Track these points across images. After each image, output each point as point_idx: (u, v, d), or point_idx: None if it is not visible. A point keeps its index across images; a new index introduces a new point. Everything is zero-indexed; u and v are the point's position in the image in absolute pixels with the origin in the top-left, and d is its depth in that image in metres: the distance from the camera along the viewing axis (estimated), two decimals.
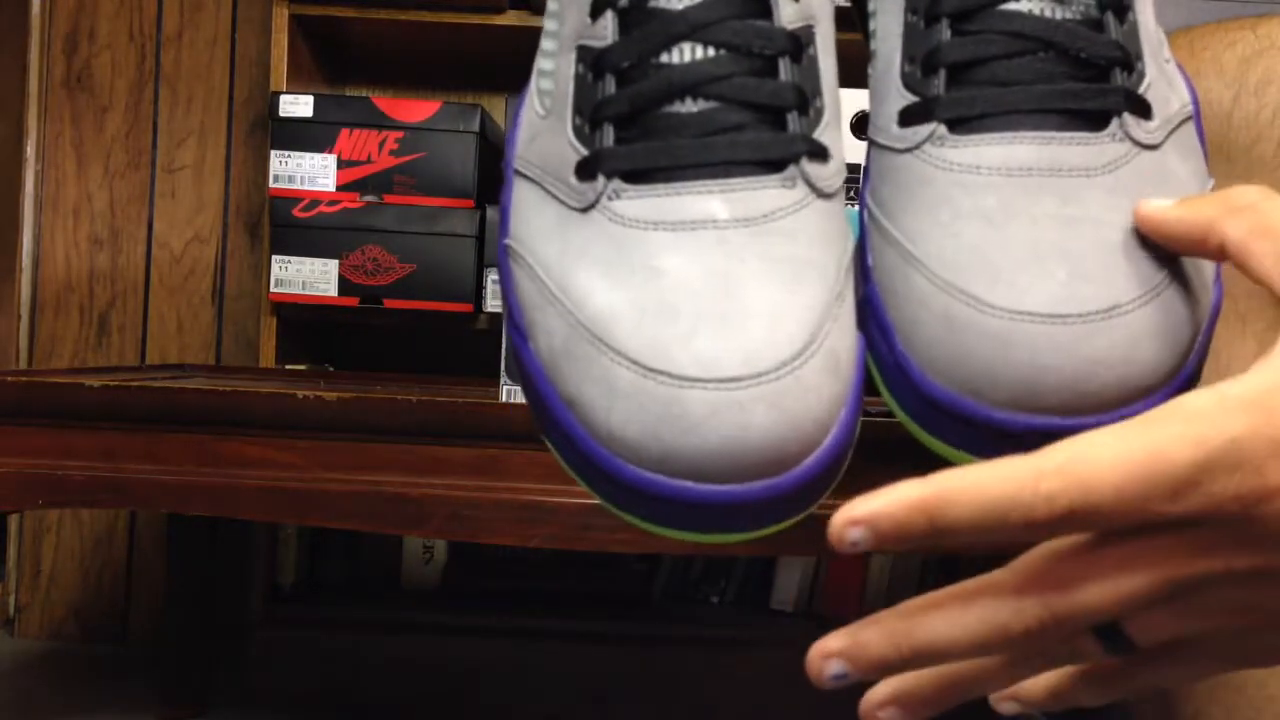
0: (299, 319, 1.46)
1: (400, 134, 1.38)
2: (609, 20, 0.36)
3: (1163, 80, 0.38)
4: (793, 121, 0.36)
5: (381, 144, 1.38)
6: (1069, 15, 0.36)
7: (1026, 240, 0.34)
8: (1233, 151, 0.57)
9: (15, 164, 1.66)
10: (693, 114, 0.35)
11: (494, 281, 1.37)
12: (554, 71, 0.38)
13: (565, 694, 1.40)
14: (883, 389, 0.37)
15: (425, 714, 1.39)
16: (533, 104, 0.40)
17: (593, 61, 0.37)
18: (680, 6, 0.35)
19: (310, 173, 1.38)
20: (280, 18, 1.44)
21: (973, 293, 0.33)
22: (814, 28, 0.37)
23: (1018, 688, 0.39)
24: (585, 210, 0.36)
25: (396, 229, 1.37)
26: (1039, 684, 0.38)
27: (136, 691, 1.43)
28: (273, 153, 1.38)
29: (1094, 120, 0.36)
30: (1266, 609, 0.32)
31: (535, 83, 0.40)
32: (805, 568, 1.48)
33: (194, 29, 1.67)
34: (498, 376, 1.06)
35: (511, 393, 1.03)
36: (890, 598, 1.47)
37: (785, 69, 0.36)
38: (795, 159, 0.36)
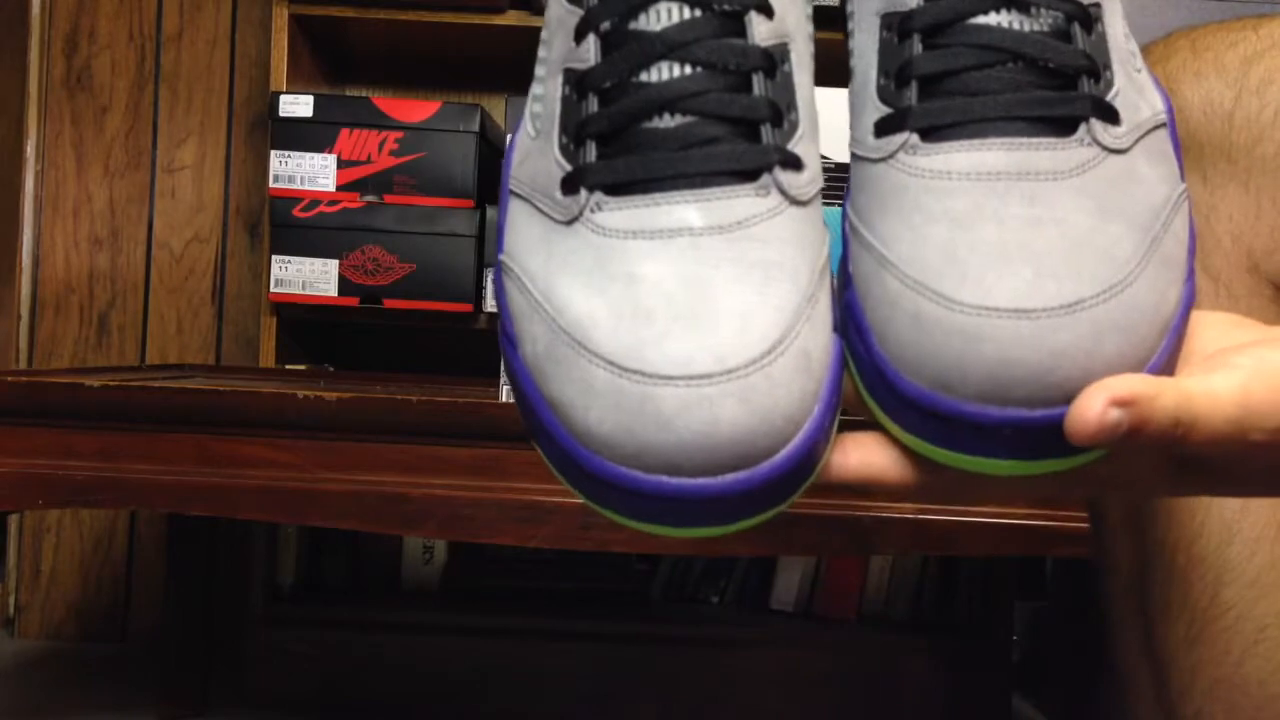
0: (299, 319, 1.46)
1: (400, 134, 1.38)
2: (591, 43, 0.38)
3: (1132, 89, 0.39)
4: (766, 133, 0.37)
5: (381, 144, 1.38)
6: (1037, 27, 0.37)
7: (993, 240, 0.35)
8: (1234, 152, 0.58)
9: (15, 164, 1.66)
10: (670, 128, 0.37)
11: (494, 282, 1.37)
12: (544, 95, 0.40)
13: (565, 694, 1.40)
14: (861, 390, 0.38)
15: (425, 714, 1.39)
16: (525, 127, 0.42)
17: (577, 82, 0.38)
18: (658, 28, 0.37)
19: (310, 173, 1.38)
20: (280, 18, 1.44)
21: (940, 291, 0.35)
22: (789, 45, 0.39)
23: None
24: (569, 223, 0.38)
25: (396, 229, 1.37)
26: None
27: (136, 691, 1.43)
28: (273, 153, 1.38)
29: (1062, 126, 0.37)
30: None
31: (529, 107, 0.42)
32: (805, 568, 1.48)
33: (194, 29, 1.67)
34: (498, 376, 1.06)
35: (511, 393, 1.03)
36: (890, 598, 1.47)
37: (759, 84, 0.38)
38: (768, 168, 0.37)
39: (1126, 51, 0.39)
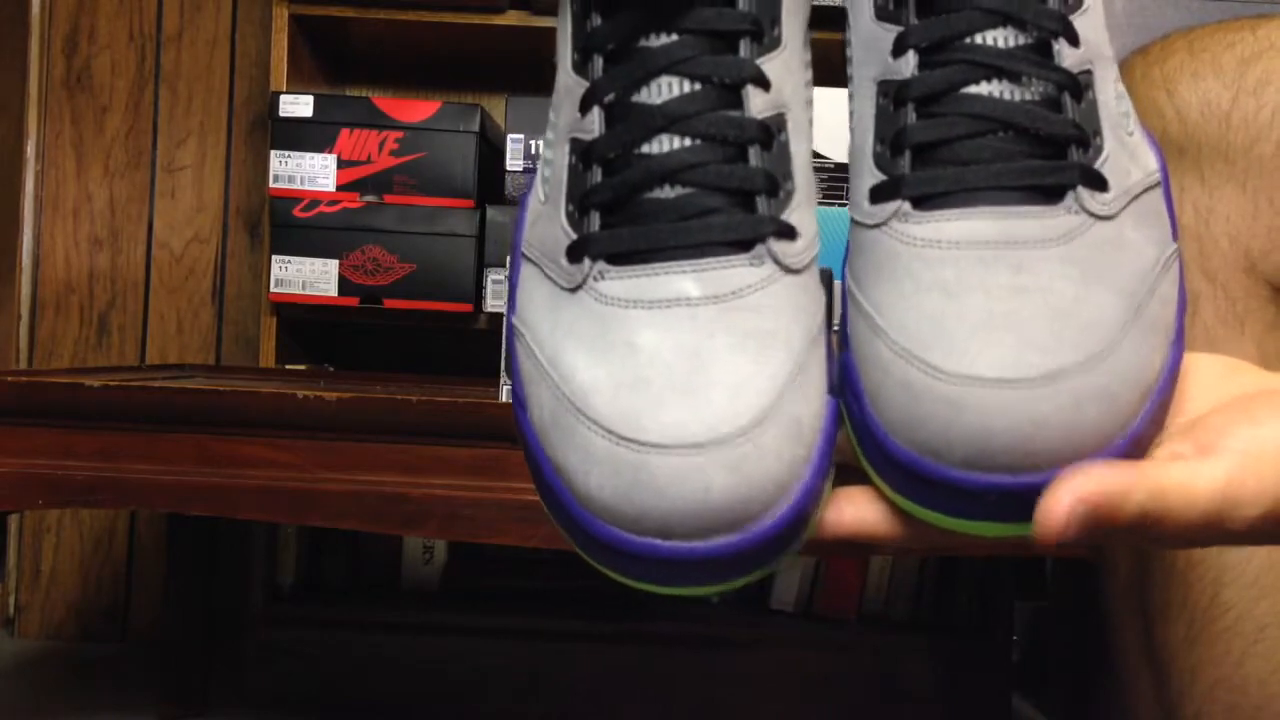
0: (299, 319, 1.46)
1: (400, 134, 1.38)
2: (596, 115, 0.40)
3: (1123, 153, 0.39)
4: (761, 204, 0.39)
5: (381, 144, 1.38)
6: (1028, 96, 0.38)
7: (979, 310, 0.36)
8: (1231, 152, 0.58)
9: (15, 164, 1.66)
10: (670, 199, 0.38)
11: (494, 281, 1.37)
12: (552, 161, 0.42)
13: (565, 694, 1.40)
14: (856, 449, 0.39)
15: (425, 714, 1.39)
16: (536, 191, 0.43)
17: (582, 153, 0.40)
18: (659, 101, 0.39)
19: (310, 173, 1.38)
20: (280, 18, 1.44)
21: (928, 360, 0.36)
22: (785, 115, 0.40)
23: None
24: (574, 290, 0.39)
25: (396, 229, 1.37)
26: None
27: (136, 691, 1.43)
28: (273, 153, 1.38)
29: (1050, 194, 0.37)
30: None
31: (540, 170, 0.43)
32: (805, 568, 1.48)
33: (194, 29, 1.67)
34: (498, 376, 1.06)
35: (511, 393, 1.03)
36: (890, 598, 1.47)
37: (755, 155, 0.39)
38: (762, 239, 0.38)
39: (1118, 114, 0.40)
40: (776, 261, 0.38)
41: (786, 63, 0.40)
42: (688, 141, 0.38)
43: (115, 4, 1.66)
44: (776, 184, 0.39)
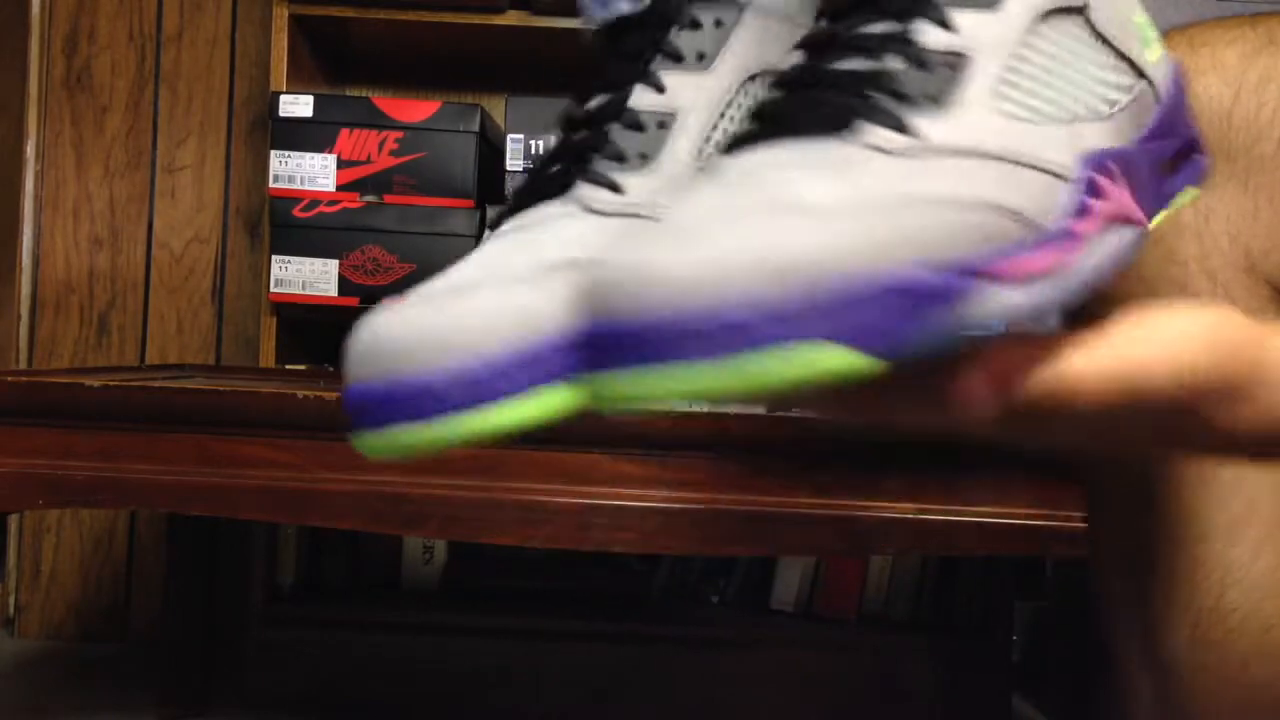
0: (299, 319, 1.46)
1: (400, 134, 1.38)
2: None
3: (986, 128, 0.38)
4: (597, 161, 0.47)
5: (381, 144, 1.38)
6: (879, 67, 0.39)
7: (694, 203, 0.35)
8: (1233, 150, 0.57)
9: (15, 164, 1.66)
10: (550, 174, 0.47)
11: None
12: None
13: (565, 694, 1.40)
14: None
15: (425, 714, 1.39)
16: None
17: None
18: (585, 110, 0.48)
19: (310, 173, 1.38)
20: (280, 18, 1.44)
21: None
22: (676, 116, 0.47)
23: None
24: None
25: (396, 229, 1.37)
26: None
27: (136, 691, 1.43)
28: (273, 153, 1.38)
29: (841, 130, 0.38)
30: None
31: None
32: (805, 568, 1.48)
33: (194, 29, 1.67)
34: None
35: None
36: (890, 598, 1.47)
37: (615, 134, 0.47)
38: (574, 184, 0.46)
39: (995, 94, 0.39)
40: (583, 204, 0.46)
41: (704, 85, 0.48)
42: (585, 133, 0.47)
43: (115, 4, 1.66)
44: (625, 156, 0.46)
